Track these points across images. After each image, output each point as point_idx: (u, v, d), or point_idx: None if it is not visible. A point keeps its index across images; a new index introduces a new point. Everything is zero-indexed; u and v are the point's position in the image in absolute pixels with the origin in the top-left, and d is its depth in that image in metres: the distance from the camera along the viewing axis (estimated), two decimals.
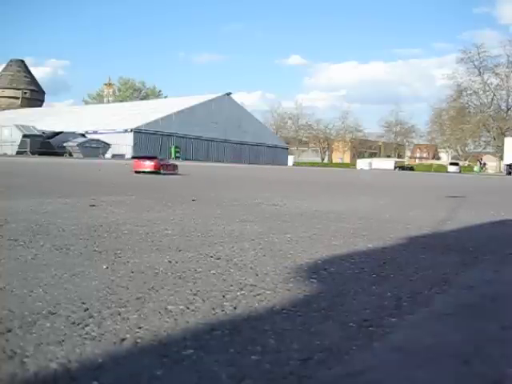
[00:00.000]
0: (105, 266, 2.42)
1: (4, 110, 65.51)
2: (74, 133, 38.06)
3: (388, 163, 64.38)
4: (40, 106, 71.73)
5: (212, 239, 3.38)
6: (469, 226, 4.81)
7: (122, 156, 36.83)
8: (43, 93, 76.58)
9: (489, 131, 62.11)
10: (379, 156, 79.00)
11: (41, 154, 32.20)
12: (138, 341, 1.48)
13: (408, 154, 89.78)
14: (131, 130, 39.43)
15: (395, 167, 60.90)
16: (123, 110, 50.78)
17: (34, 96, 72.79)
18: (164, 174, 13.65)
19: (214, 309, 1.82)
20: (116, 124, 41.20)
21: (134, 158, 16.94)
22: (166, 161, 16.09)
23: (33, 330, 1.53)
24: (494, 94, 61.58)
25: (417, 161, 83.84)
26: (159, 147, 40.93)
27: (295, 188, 11.25)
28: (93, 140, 36.88)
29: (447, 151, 77.23)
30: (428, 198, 9.60)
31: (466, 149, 69.18)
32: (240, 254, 2.88)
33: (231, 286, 2.16)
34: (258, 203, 6.28)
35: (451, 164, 60.98)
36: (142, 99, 74.81)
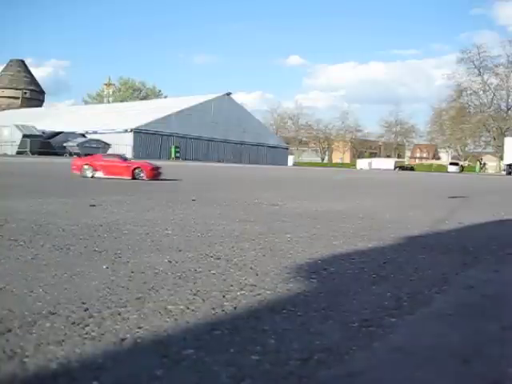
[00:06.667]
0: (105, 266, 2.42)
1: (4, 110, 65.49)
2: (73, 133, 37.98)
3: (388, 163, 64.34)
4: (40, 106, 71.69)
5: (212, 239, 3.38)
6: (469, 225, 4.81)
7: None
8: (43, 93, 76.58)
9: (489, 131, 62.06)
10: (379, 156, 78.90)
11: (41, 154, 32.13)
12: (138, 341, 1.48)
13: (408, 154, 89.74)
14: (131, 130, 39.36)
15: (395, 167, 60.85)
16: (123, 109, 50.71)
17: (34, 96, 72.77)
18: None
19: (214, 309, 1.82)
20: (116, 124, 41.12)
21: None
22: None
23: (33, 330, 1.53)
24: (494, 94, 61.54)
25: (417, 161, 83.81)
26: (159, 147, 40.90)
27: (295, 188, 11.25)
28: (93, 140, 36.80)
29: (447, 151, 77.17)
30: (428, 197, 9.60)
31: (466, 149, 69.10)
32: (240, 254, 2.88)
33: (231, 285, 2.16)
34: (258, 203, 6.27)
35: (451, 164, 60.98)
36: (141, 99, 74.75)
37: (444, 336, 1.62)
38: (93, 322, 1.61)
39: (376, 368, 1.37)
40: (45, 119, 47.06)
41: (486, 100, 62.25)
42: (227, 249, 3.04)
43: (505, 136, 51.41)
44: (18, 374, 1.22)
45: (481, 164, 59.48)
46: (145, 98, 78.15)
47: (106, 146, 37.06)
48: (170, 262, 2.60)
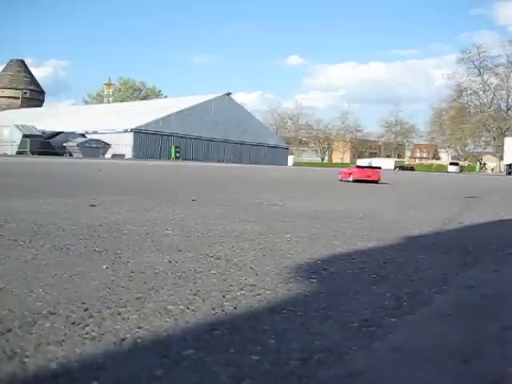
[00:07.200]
0: (105, 266, 2.42)
1: (4, 110, 65.49)
2: (73, 133, 38.00)
3: (388, 163, 64.38)
4: (40, 106, 71.70)
5: (212, 239, 3.38)
6: (469, 225, 4.81)
7: (121, 156, 36.76)
8: (43, 93, 76.59)
9: (489, 131, 62.12)
10: (379, 156, 78.95)
11: (41, 154, 32.14)
12: (138, 341, 1.48)
13: (408, 154, 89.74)
14: (131, 130, 39.38)
15: (395, 167, 60.84)
16: (123, 109, 50.72)
17: (34, 96, 72.80)
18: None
19: (214, 309, 1.82)
20: (116, 124, 41.14)
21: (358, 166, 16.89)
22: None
23: (33, 330, 1.53)
24: (494, 94, 61.58)
25: (417, 161, 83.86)
26: (159, 147, 40.92)
27: (295, 188, 11.25)
28: (93, 140, 36.82)
29: (447, 151, 77.20)
30: (428, 198, 9.61)
31: (466, 149, 69.14)
32: (240, 254, 2.88)
33: (231, 285, 2.16)
34: (258, 203, 6.27)
35: (451, 164, 61.10)
36: (141, 99, 74.75)
37: (444, 336, 1.62)
38: (93, 322, 1.61)
39: (376, 368, 1.37)
40: (45, 119, 47.04)
41: (486, 100, 62.30)
42: (227, 249, 3.04)
43: (505, 136, 51.43)
44: (18, 374, 1.22)
45: (481, 164, 59.46)
46: (145, 97, 78.13)
47: (106, 145, 37.06)
48: (170, 262, 2.60)
